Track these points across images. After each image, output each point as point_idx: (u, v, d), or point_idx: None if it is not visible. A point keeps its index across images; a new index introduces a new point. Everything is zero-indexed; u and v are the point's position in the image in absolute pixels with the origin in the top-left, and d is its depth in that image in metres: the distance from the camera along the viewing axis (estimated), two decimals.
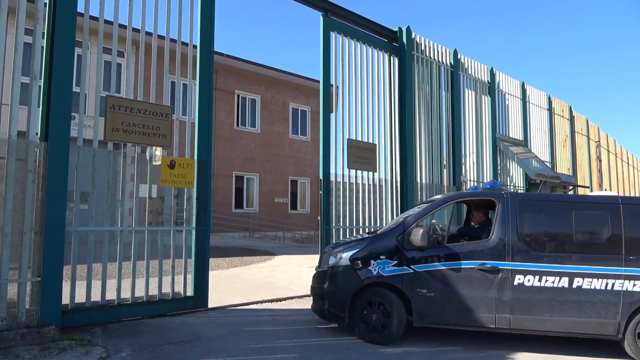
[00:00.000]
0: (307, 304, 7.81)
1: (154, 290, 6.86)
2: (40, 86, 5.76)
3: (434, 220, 6.70)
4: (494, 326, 5.71)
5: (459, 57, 12.22)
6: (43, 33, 5.83)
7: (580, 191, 17.53)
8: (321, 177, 8.92)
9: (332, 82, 9.29)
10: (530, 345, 5.99)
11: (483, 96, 13.16)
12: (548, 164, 15.56)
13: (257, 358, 5.10)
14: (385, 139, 10.24)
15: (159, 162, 20.49)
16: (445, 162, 11.41)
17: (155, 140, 6.75)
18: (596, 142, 19.51)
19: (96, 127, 6.36)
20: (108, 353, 5.06)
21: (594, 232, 5.80)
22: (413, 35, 10.92)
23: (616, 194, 6.43)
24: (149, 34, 7.00)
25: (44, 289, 5.54)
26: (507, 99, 14.29)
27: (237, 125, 21.40)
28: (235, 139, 21.17)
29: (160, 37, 6.96)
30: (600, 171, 19.24)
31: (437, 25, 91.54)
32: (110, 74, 6.68)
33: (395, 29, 10.73)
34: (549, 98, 16.48)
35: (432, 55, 11.42)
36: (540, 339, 6.19)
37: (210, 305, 7.48)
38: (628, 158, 24.34)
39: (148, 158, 19.67)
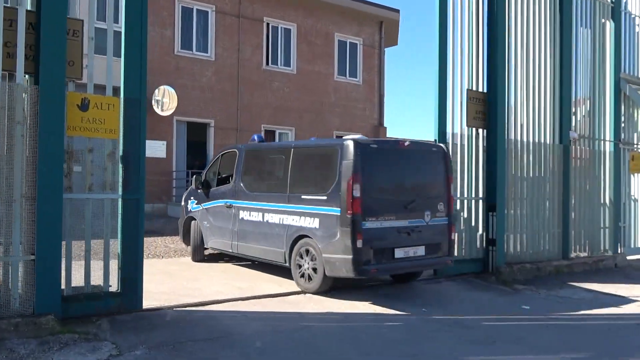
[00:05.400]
0: (361, 295, 7.91)
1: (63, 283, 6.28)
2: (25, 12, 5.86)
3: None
4: (231, 250, 9.61)
5: None
6: None
7: None
8: (436, 137, 9.44)
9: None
10: None
11: (604, 22, 12.49)
12: None
13: None
14: (469, 83, 10.08)
15: (168, 112, 20.54)
16: (549, 114, 11.03)
17: None
18: None
19: (90, 68, 6.35)
20: (119, 350, 5.30)
21: (275, 173, 9.08)
22: None
23: (361, 136, 8.56)
24: None
25: (39, 270, 5.79)
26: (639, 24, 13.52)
27: (267, 64, 21.35)
28: (265, 82, 21.17)
29: None
30: None
31: None
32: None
33: None
34: None
35: None
36: None
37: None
38: None
39: (155, 105, 19.73)
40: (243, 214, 9.20)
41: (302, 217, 8.08)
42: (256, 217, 8.92)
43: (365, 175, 7.48)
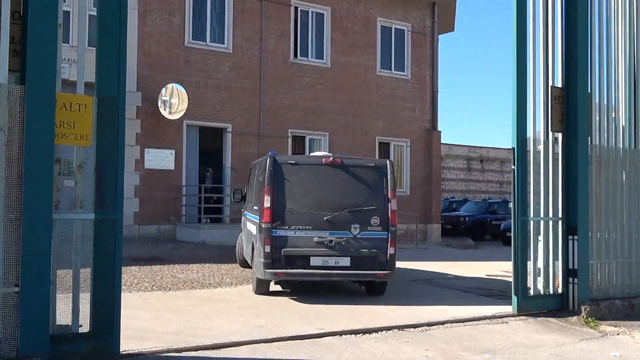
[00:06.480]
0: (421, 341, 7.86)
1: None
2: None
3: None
4: (244, 257, 12.81)
5: None
6: None
7: None
8: (514, 145, 9.58)
9: None
10: None
11: None
12: None
13: None
14: (554, 79, 10.08)
15: (177, 115, 21.02)
16: None
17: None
18: None
19: (58, 61, 6.25)
20: None
21: (255, 186, 11.54)
22: None
23: (325, 153, 12.00)
24: None
25: (24, 304, 5.89)
26: None
27: (295, 55, 21.50)
28: (293, 77, 21.30)
29: None
30: None
31: None
32: None
33: None
34: None
35: None
36: None
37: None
38: None
39: (161, 107, 20.05)
40: (247, 224, 12.40)
41: (253, 225, 10.95)
42: (249, 226, 11.94)
43: (278, 188, 10.00)
